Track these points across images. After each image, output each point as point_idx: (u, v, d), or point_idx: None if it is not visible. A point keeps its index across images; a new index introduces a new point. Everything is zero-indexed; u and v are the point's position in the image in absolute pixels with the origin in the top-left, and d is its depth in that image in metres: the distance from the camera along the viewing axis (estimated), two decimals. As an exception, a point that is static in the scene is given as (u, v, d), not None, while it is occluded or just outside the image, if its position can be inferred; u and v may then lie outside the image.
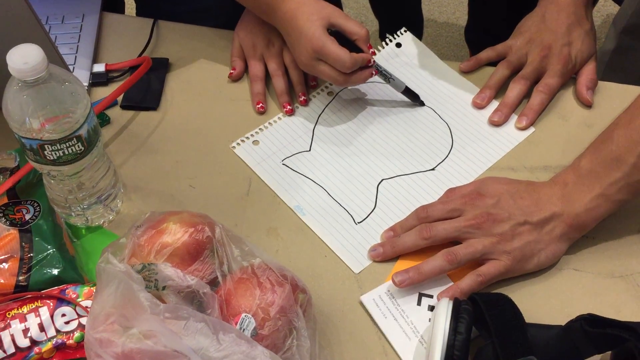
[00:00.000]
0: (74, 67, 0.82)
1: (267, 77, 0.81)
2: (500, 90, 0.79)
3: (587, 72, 0.78)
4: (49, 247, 0.62)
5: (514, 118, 0.77)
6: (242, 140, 0.77)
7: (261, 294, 0.54)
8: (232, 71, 0.82)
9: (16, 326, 0.58)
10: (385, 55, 0.84)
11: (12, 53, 0.55)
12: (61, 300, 0.59)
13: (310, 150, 0.76)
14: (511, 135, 0.76)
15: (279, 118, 0.79)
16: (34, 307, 0.59)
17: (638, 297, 0.62)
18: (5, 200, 0.66)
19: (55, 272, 0.61)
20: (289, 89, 0.80)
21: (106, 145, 0.76)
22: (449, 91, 0.80)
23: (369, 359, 0.60)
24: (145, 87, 0.81)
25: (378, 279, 0.65)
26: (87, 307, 0.59)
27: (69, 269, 0.62)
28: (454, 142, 0.76)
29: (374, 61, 0.74)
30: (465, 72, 0.82)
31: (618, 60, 1.16)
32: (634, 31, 1.12)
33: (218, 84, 0.82)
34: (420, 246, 0.65)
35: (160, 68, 0.83)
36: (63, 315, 0.59)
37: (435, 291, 0.63)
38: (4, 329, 0.58)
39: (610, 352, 0.56)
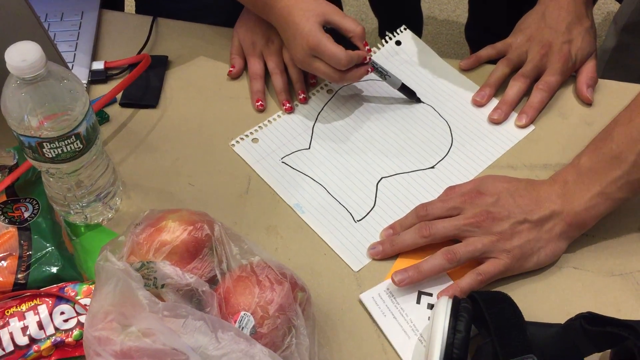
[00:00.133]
0: (72, 65, 0.82)
1: (267, 75, 0.81)
2: (500, 88, 0.79)
3: (587, 70, 0.77)
4: (47, 245, 0.62)
5: (514, 116, 0.77)
6: (242, 138, 0.76)
7: (260, 292, 0.54)
8: (231, 69, 0.82)
9: (15, 324, 0.58)
10: (385, 53, 0.84)
11: (10, 50, 0.55)
12: (60, 298, 0.59)
13: (309, 148, 0.76)
14: (511, 133, 0.75)
15: (279, 116, 0.79)
16: (32, 305, 0.59)
17: (638, 296, 0.62)
18: (4, 198, 0.66)
19: (54, 270, 0.61)
20: (288, 87, 0.80)
21: (105, 143, 0.76)
22: (448, 89, 0.80)
23: (368, 358, 0.60)
24: (144, 85, 0.81)
25: (377, 277, 0.65)
26: (86, 305, 0.59)
27: (67, 267, 0.62)
28: (453, 140, 0.75)
29: (370, 58, 0.73)
30: (465, 70, 0.82)
31: (618, 58, 1.16)
32: (634, 29, 1.12)
33: (217, 81, 0.82)
34: (419, 244, 0.65)
35: (160, 66, 0.83)
36: (62, 313, 0.59)
37: (434, 289, 0.63)
38: (2, 327, 0.58)
39: (609, 350, 0.56)
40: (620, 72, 1.16)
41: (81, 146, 0.60)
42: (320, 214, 0.69)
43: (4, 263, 0.61)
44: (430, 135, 0.76)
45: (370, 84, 0.81)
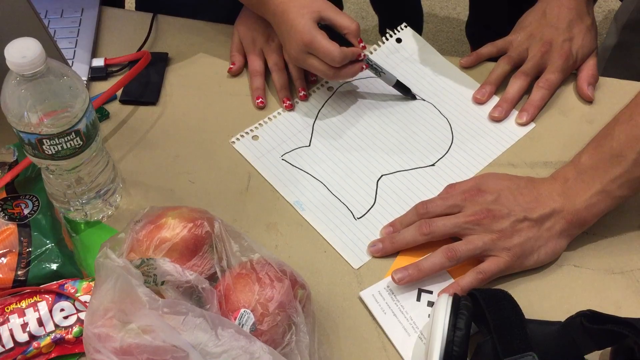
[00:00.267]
0: (72, 62, 0.82)
1: (267, 72, 0.81)
2: (500, 85, 0.79)
3: (588, 68, 0.77)
4: (47, 241, 0.62)
5: (515, 114, 0.76)
6: (242, 135, 0.76)
7: (260, 289, 0.54)
8: (231, 66, 0.82)
9: (15, 321, 0.58)
10: (386, 51, 0.84)
11: (10, 47, 0.55)
12: (60, 295, 0.59)
13: (309, 145, 0.76)
14: (511, 131, 0.75)
15: (279, 113, 0.79)
16: (32, 301, 0.59)
17: (638, 293, 0.62)
18: (3, 194, 0.65)
19: (54, 266, 0.61)
20: (288, 84, 0.80)
21: (105, 140, 0.76)
22: (449, 87, 0.80)
23: (368, 355, 0.60)
24: (144, 82, 0.81)
25: (377, 275, 0.64)
26: (85, 302, 0.59)
27: (67, 263, 0.62)
28: (454, 138, 0.75)
29: (365, 55, 0.73)
30: (466, 68, 0.82)
31: (619, 56, 1.16)
32: (635, 27, 1.12)
33: (217, 78, 0.82)
34: (419, 242, 0.65)
35: (160, 62, 0.83)
36: (62, 310, 0.59)
37: (434, 287, 0.63)
38: (2, 323, 0.58)
39: (609, 348, 0.56)
40: (621, 70, 1.16)
41: (81, 143, 0.60)
42: (321, 212, 0.69)
43: (4, 260, 0.61)
44: (431, 132, 0.76)
45: (370, 81, 0.81)
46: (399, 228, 0.67)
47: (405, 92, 0.78)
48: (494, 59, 0.81)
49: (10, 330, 0.57)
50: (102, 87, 0.80)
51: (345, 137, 0.76)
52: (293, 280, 0.56)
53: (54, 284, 0.60)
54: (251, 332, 0.52)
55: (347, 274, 0.65)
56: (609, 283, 0.63)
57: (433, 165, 0.73)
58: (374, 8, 1.65)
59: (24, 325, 0.58)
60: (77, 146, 0.60)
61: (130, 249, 0.56)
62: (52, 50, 0.69)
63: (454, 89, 0.80)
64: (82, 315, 0.59)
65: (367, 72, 0.76)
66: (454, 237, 0.64)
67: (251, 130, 0.77)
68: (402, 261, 0.65)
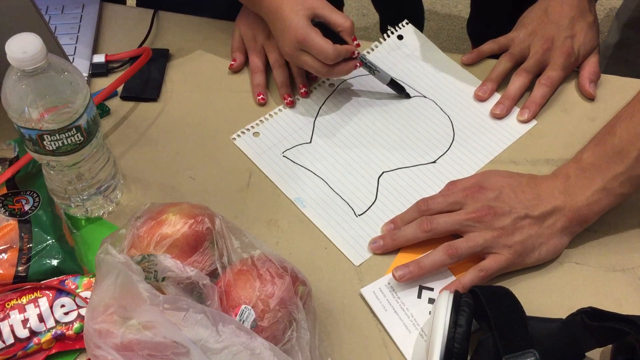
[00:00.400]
0: (73, 58, 0.82)
1: (268, 69, 0.81)
2: (502, 83, 0.78)
3: (590, 65, 0.77)
4: (48, 237, 0.62)
5: (516, 111, 0.76)
6: (243, 132, 0.76)
7: (261, 285, 0.54)
8: (232, 62, 0.82)
9: (15, 317, 0.58)
10: (387, 48, 0.84)
11: (11, 42, 0.55)
12: (60, 291, 0.59)
13: (311, 142, 0.75)
14: (513, 128, 0.75)
15: (280, 110, 0.78)
16: (33, 297, 0.59)
17: (639, 291, 0.62)
18: (4, 190, 0.65)
19: (55, 262, 0.61)
20: (289, 81, 0.79)
21: (106, 136, 0.76)
22: (450, 84, 0.80)
23: (369, 352, 0.60)
24: (145, 78, 0.81)
25: (378, 272, 0.64)
26: (86, 298, 0.59)
27: (68, 259, 0.62)
28: (455, 135, 0.75)
29: (358, 53, 0.73)
30: (467, 65, 0.82)
31: (621, 53, 1.16)
32: (636, 25, 1.12)
33: (218, 75, 0.82)
34: (420, 239, 0.64)
35: (161, 59, 0.83)
36: (62, 306, 0.59)
37: (435, 284, 0.63)
38: (3, 319, 0.58)
39: (611, 345, 0.56)
40: (623, 68, 1.16)
41: (82, 139, 0.60)
42: (322, 208, 0.69)
43: (5, 256, 0.61)
44: (432, 129, 0.76)
45: (371, 78, 0.80)
46: (400, 225, 0.67)
47: (400, 91, 0.78)
48: (495, 56, 0.81)
49: (11, 326, 0.57)
50: (102, 83, 0.80)
51: (346, 134, 0.76)
52: (294, 277, 0.55)
53: (54, 280, 0.60)
54: (252, 328, 0.52)
55: (348, 271, 0.65)
56: (610, 280, 0.63)
57: (434, 162, 0.73)
58: (375, 6, 1.65)
59: (25, 321, 0.58)
60: (78, 142, 0.60)
61: (131, 245, 0.56)
62: (53, 46, 0.69)
63: (456, 86, 0.80)
64: (83, 311, 0.59)
65: (364, 70, 0.76)
66: (455, 235, 0.64)
67: (252, 127, 0.77)
68: (403, 258, 0.65)
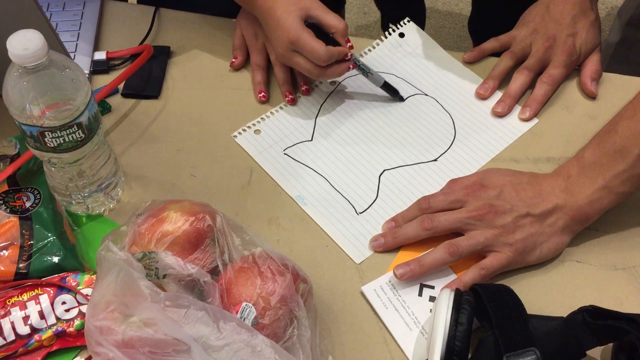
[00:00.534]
0: (74, 55, 0.82)
1: (270, 67, 0.81)
2: (503, 81, 0.78)
3: (592, 64, 0.77)
4: (49, 234, 0.62)
5: (518, 109, 0.76)
6: (244, 130, 0.76)
7: (262, 283, 0.54)
8: (233, 60, 0.82)
9: (16, 314, 0.58)
10: (388, 45, 0.84)
11: (12, 39, 0.55)
12: (61, 288, 0.59)
13: (312, 140, 0.75)
14: (514, 126, 0.75)
15: (281, 107, 0.78)
16: (34, 294, 0.59)
17: (640, 290, 0.62)
18: (5, 187, 0.65)
19: (56, 259, 0.61)
20: (290, 79, 0.79)
21: (107, 134, 0.76)
22: (452, 82, 0.80)
23: (370, 350, 0.60)
24: (146, 76, 0.81)
25: (379, 270, 0.64)
26: (87, 295, 0.59)
27: (69, 256, 0.62)
28: (456, 133, 0.75)
29: (351, 55, 0.73)
30: (469, 63, 0.81)
31: (623, 52, 1.16)
32: (638, 23, 1.12)
33: (220, 72, 0.82)
34: (421, 237, 0.64)
35: (162, 56, 0.83)
36: (63, 303, 0.59)
37: (436, 282, 0.63)
38: (4, 316, 0.58)
39: (611, 343, 0.56)
40: (625, 66, 1.16)
41: (83, 136, 0.60)
42: (323, 206, 0.69)
43: (6, 252, 0.61)
44: (433, 127, 0.76)
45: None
46: (401, 223, 0.67)
47: (393, 94, 0.78)
48: (496, 54, 0.81)
49: (12, 323, 0.57)
50: (104, 80, 0.80)
51: (347, 132, 0.76)
52: (295, 275, 0.55)
53: (55, 277, 0.60)
54: (253, 325, 0.52)
55: (348, 269, 0.65)
56: (611, 279, 0.63)
57: (435, 160, 0.73)
58: (377, 3, 1.64)
59: (26, 318, 0.58)
60: (79, 139, 0.60)
61: (132, 242, 0.56)
62: (54, 43, 0.69)
63: (457, 84, 0.79)
64: (84, 309, 0.59)
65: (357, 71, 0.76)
66: (456, 233, 0.64)
67: (253, 124, 0.77)
68: (404, 256, 0.65)
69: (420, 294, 0.62)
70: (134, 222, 0.57)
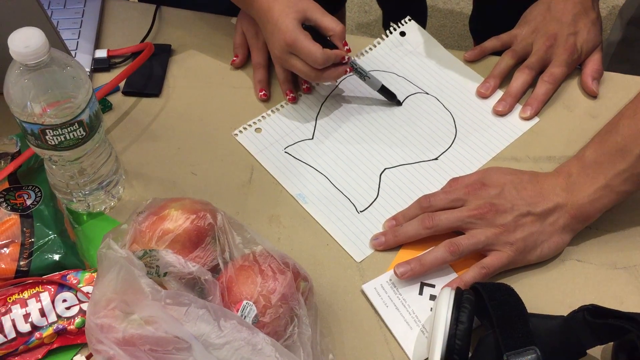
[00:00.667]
0: (75, 53, 0.82)
1: (271, 65, 0.81)
2: (504, 79, 0.78)
3: (593, 63, 0.77)
4: (50, 232, 0.62)
5: (518, 108, 0.76)
6: (245, 128, 0.76)
7: (263, 281, 0.54)
8: (234, 58, 0.82)
9: (17, 311, 0.58)
10: (389, 44, 0.84)
11: (13, 36, 0.55)
12: (62, 286, 0.59)
13: (313, 138, 0.75)
14: (515, 125, 0.75)
15: (282, 106, 0.78)
16: (34, 292, 0.59)
17: (641, 289, 0.62)
18: (6, 185, 0.65)
19: (57, 257, 0.61)
20: (291, 77, 0.79)
21: (108, 132, 0.76)
22: (453, 80, 0.80)
23: (370, 348, 0.60)
24: (147, 74, 0.81)
25: (380, 268, 0.64)
26: (88, 292, 0.59)
27: (70, 254, 0.62)
28: (457, 132, 0.75)
29: (349, 58, 0.73)
30: (470, 62, 0.81)
31: (624, 51, 1.16)
32: (640, 22, 1.11)
33: (221, 71, 0.82)
34: (422, 235, 0.64)
35: (163, 54, 0.83)
36: (64, 300, 0.59)
37: (437, 280, 0.63)
38: (4, 313, 0.58)
39: (612, 342, 0.56)
40: (626, 65, 1.16)
41: (84, 134, 0.60)
42: (323, 204, 0.69)
43: (6, 250, 0.61)
44: (434, 126, 0.76)
45: (374, 74, 0.80)
46: (402, 221, 0.67)
47: (391, 98, 0.77)
48: (498, 53, 0.81)
49: (13, 321, 0.57)
50: (104, 78, 0.80)
51: (348, 130, 0.76)
52: (295, 273, 0.55)
53: (56, 275, 0.60)
54: (253, 324, 0.52)
55: (349, 267, 0.65)
56: (612, 278, 0.63)
57: (436, 159, 0.73)
58: (378, 2, 1.64)
59: (26, 316, 0.58)
60: (80, 137, 0.60)
61: (132, 240, 0.56)
62: (55, 41, 0.69)
63: (458, 83, 0.79)
64: (85, 306, 0.59)
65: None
66: (457, 232, 0.64)
67: (254, 122, 0.77)
68: (404, 255, 0.65)
69: (420, 293, 0.62)
70: (134, 220, 0.57)
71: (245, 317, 0.52)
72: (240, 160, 0.73)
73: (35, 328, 0.58)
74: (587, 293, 0.62)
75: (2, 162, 0.68)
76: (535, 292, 0.62)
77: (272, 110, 0.78)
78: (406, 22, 0.86)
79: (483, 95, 0.78)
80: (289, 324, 0.53)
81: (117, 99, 0.79)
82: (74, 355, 0.59)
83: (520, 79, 0.76)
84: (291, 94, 0.78)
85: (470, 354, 0.55)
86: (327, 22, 0.71)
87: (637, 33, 1.13)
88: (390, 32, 0.85)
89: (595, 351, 0.57)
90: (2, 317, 0.57)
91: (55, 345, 0.59)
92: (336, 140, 0.75)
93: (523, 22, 0.80)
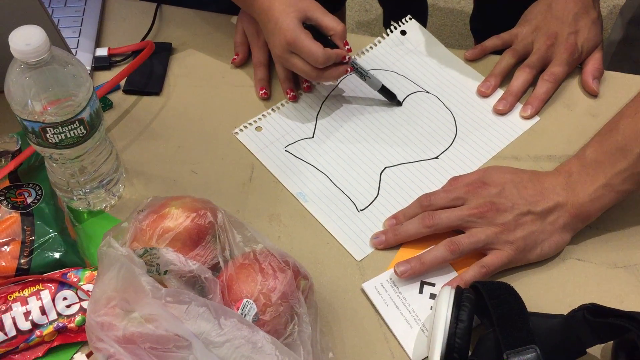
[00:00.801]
0: (76, 51, 0.82)
1: (271, 63, 0.81)
2: (505, 78, 0.78)
3: (593, 62, 0.77)
4: (50, 230, 0.62)
5: (519, 107, 0.76)
6: (245, 127, 0.76)
7: (263, 279, 0.54)
8: (235, 57, 0.82)
9: (17, 309, 0.58)
10: (390, 43, 0.84)
11: (14, 35, 0.55)
12: (63, 284, 0.59)
13: (313, 137, 0.75)
14: (516, 124, 0.75)
15: (282, 104, 0.78)
16: (35, 290, 0.59)
17: (641, 288, 0.62)
18: (7, 183, 0.65)
19: (57, 255, 0.61)
20: (292, 76, 0.79)
21: (108, 130, 0.76)
22: (453, 79, 0.80)
23: (370, 346, 0.60)
24: (148, 72, 0.81)
25: (380, 267, 0.64)
26: (88, 290, 0.59)
27: (70, 252, 0.62)
28: (457, 131, 0.75)
29: (349, 58, 0.73)
30: (471, 60, 0.81)
31: (624, 50, 1.16)
32: (640, 22, 1.11)
33: (221, 69, 0.82)
34: (422, 234, 0.64)
35: (163, 53, 0.83)
36: (64, 298, 0.59)
37: (437, 279, 0.63)
38: (5, 311, 0.58)
39: (612, 341, 0.56)
40: (626, 65, 1.16)
41: (85, 132, 0.60)
42: (324, 203, 0.69)
43: (7, 248, 0.61)
44: (435, 125, 0.76)
45: (375, 73, 0.80)
46: (402, 220, 0.67)
47: (391, 98, 0.77)
48: (498, 52, 0.81)
49: (13, 319, 0.58)
50: (105, 76, 0.80)
51: (348, 129, 0.76)
52: (296, 271, 0.56)
53: (56, 273, 0.60)
54: (254, 322, 0.52)
55: (349, 266, 0.65)
56: (612, 277, 0.63)
57: (437, 157, 0.73)
58: (379, 1, 1.64)
59: (27, 314, 0.58)
60: (80, 135, 0.60)
61: (133, 238, 0.56)
62: (55, 39, 0.69)
63: (459, 82, 0.79)
64: (85, 304, 0.59)
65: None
66: (457, 230, 0.64)
67: (254, 121, 0.77)
68: (404, 253, 0.65)
69: (420, 291, 0.62)
70: (135, 218, 0.58)
71: (245, 315, 0.52)
72: (240, 158, 0.74)
73: (35, 326, 0.58)
74: (587, 292, 0.62)
75: (3, 160, 0.68)
76: (536, 291, 0.62)
77: (272, 109, 0.78)
78: (407, 21, 0.85)
79: (484, 94, 0.78)
80: (289, 322, 0.54)
81: (117, 97, 0.79)
82: (75, 353, 0.59)
83: (520, 78, 0.76)
84: (292, 93, 0.78)
85: (470, 353, 0.55)
86: (328, 21, 0.71)
87: (637, 32, 1.13)
88: (391, 31, 0.85)
89: (595, 350, 0.57)
90: (2, 315, 0.58)
91: (55, 343, 0.59)
92: (336, 139, 0.75)
93: (524, 21, 0.80)
